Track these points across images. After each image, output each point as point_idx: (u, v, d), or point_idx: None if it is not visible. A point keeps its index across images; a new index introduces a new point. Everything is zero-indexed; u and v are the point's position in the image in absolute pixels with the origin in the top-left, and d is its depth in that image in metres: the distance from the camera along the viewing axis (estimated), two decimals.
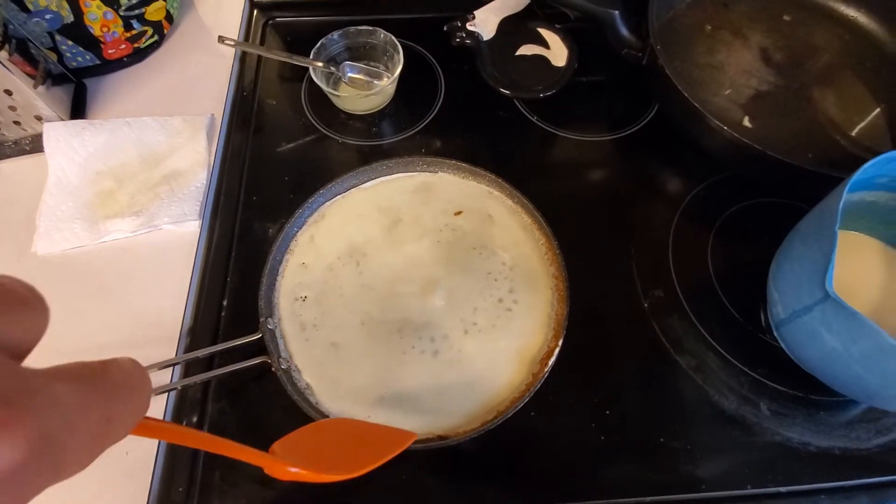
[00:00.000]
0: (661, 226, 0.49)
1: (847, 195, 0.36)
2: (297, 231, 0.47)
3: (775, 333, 0.42)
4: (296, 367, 0.42)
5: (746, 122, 0.53)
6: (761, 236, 0.45)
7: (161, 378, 0.42)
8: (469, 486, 0.39)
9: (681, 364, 0.43)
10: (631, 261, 0.48)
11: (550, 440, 0.40)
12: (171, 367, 0.43)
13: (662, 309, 0.45)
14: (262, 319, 0.42)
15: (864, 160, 0.35)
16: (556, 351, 0.40)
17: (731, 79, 0.55)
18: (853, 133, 0.53)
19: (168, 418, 0.41)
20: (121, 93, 0.57)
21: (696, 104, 0.46)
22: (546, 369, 0.40)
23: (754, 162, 0.45)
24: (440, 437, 0.38)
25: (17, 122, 0.52)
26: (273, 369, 0.40)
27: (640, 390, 0.42)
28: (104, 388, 0.15)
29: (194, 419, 0.41)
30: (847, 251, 0.43)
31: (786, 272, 0.38)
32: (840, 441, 0.40)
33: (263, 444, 0.40)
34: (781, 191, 0.50)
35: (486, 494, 0.39)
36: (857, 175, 0.35)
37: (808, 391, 0.41)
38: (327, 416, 0.39)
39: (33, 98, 0.50)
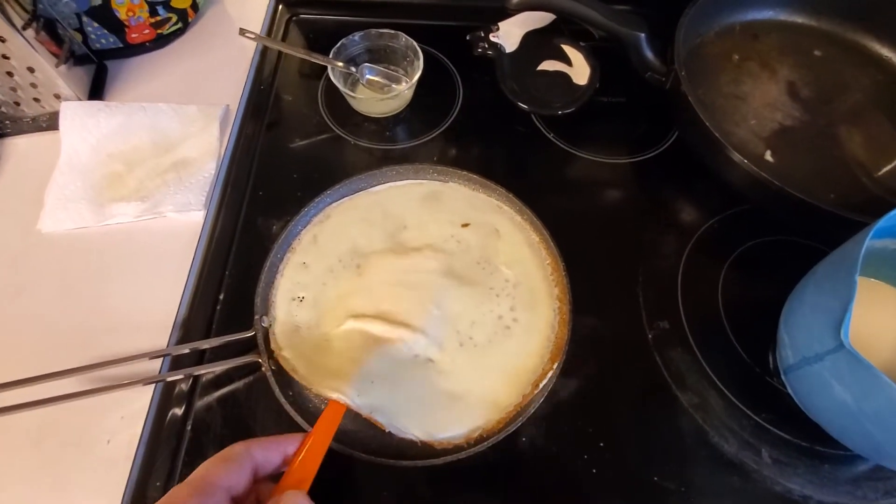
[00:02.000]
0: (673, 255, 0.48)
1: (869, 241, 0.34)
2: (301, 230, 0.47)
3: (783, 378, 0.40)
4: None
5: (768, 156, 0.51)
6: (776, 275, 0.43)
7: (150, 367, 0.42)
8: None
9: (681, 400, 0.41)
10: (638, 288, 0.46)
11: (538, 468, 0.39)
12: (162, 358, 0.42)
13: (667, 341, 0.44)
14: (256, 317, 0.42)
15: (889, 204, 0.33)
16: (550, 374, 0.39)
17: (756, 111, 0.54)
18: (878, 175, 0.51)
19: (153, 410, 0.41)
20: (140, 77, 0.58)
21: (716, 134, 0.44)
22: (537, 392, 0.39)
23: (773, 198, 0.43)
24: (422, 444, 0.38)
25: (36, 99, 0.52)
26: (263, 369, 0.40)
27: (637, 424, 0.41)
28: None
29: (179, 412, 0.41)
30: (865, 299, 0.41)
31: (798, 316, 0.37)
32: (844, 498, 0.38)
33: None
34: (800, 230, 0.49)
35: None
36: (882, 222, 0.33)
37: (814, 442, 0.40)
38: (314, 418, 0.38)
39: (54, 76, 0.50)
